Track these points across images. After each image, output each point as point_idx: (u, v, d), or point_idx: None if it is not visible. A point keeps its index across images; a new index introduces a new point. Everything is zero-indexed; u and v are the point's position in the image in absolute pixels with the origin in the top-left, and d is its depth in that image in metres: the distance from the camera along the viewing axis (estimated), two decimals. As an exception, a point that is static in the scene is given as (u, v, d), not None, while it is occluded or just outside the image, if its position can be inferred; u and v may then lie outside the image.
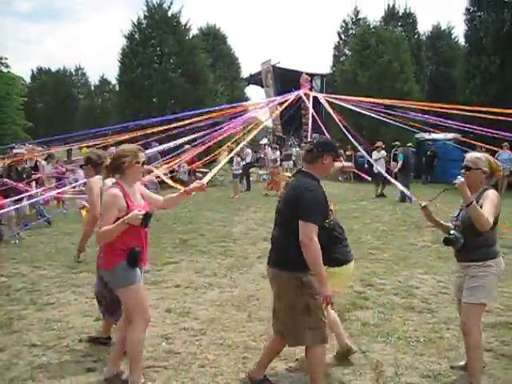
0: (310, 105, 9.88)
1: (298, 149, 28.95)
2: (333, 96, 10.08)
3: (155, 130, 9.50)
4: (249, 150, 22.57)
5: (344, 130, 9.75)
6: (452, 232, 4.46)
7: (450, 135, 21.75)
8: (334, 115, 9.49)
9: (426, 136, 22.23)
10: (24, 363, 4.93)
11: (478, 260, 4.37)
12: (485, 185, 4.45)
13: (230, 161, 18.37)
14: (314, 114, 9.89)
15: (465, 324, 4.40)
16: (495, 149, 11.24)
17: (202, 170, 22.26)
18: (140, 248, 4.31)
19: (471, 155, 4.51)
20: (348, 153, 24.68)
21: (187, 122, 9.06)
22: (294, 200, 4.00)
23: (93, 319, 6.08)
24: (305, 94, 10.23)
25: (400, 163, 17.86)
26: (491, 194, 4.36)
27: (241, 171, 19.66)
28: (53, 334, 5.68)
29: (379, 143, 18.09)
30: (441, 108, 8.66)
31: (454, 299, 4.77)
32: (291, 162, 28.82)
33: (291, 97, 9.95)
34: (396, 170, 17.76)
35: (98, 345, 5.33)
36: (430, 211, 4.79)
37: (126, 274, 4.27)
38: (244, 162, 20.60)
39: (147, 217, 4.14)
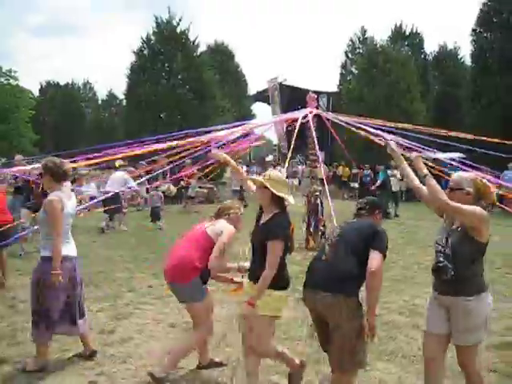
0: (311, 124, 9.98)
1: (303, 166, 28.97)
2: (341, 117, 10.16)
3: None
4: (244, 168, 22.65)
5: (344, 150, 9.82)
6: (441, 260, 3.97)
7: (455, 155, 21.75)
8: (334, 135, 9.56)
9: (432, 155, 22.23)
10: (26, 375, 4.93)
11: (471, 293, 3.91)
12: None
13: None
14: (314, 133, 9.95)
15: (468, 367, 4.05)
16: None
17: (207, 185, 22.38)
18: None
19: (456, 174, 4.22)
20: (354, 171, 24.72)
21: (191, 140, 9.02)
22: (371, 233, 4.16)
23: (96, 332, 6.08)
24: (310, 113, 10.32)
25: (379, 182, 18.19)
26: (475, 208, 3.91)
27: (239, 187, 19.64)
28: (56, 346, 5.66)
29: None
30: (446, 133, 8.74)
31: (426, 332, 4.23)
32: (296, 179, 28.90)
33: (299, 116, 10.04)
34: (374, 187, 18.26)
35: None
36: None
37: (199, 289, 4.69)
38: None
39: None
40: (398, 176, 17.86)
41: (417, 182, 4.25)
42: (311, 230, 11.60)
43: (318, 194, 11.70)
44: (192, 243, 4.85)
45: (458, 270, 3.89)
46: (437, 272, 4.01)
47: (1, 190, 8.83)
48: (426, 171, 4.09)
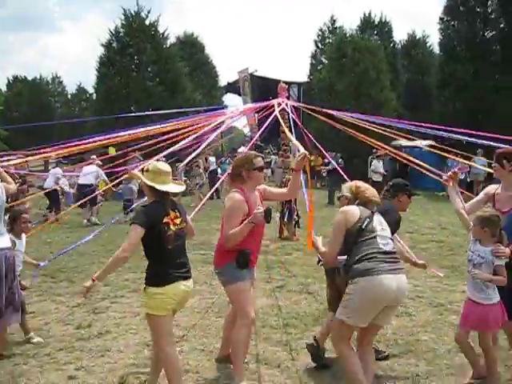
0: (278, 115, 10.05)
1: (275, 156, 29.02)
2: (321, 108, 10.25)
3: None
4: (212, 159, 22.73)
5: (313, 140, 9.93)
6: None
7: (426, 142, 22.02)
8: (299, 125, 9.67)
9: (403, 143, 22.46)
10: (5, 372, 4.94)
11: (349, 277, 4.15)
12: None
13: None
14: (297, 121, 10.02)
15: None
16: (470, 155, 11.41)
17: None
18: (249, 250, 4.52)
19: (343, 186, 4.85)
20: (326, 160, 24.84)
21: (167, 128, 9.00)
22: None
23: (73, 327, 6.08)
24: (278, 104, 10.39)
25: (330, 167, 18.39)
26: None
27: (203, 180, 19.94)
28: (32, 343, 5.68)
29: (382, 151, 17.40)
30: (417, 126, 8.88)
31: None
32: (269, 170, 28.91)
33: (268, 104, 10.10)
34: (324, 170, 19.37)
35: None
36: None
37: (234, 273, 4.50)
38: (208, 171, 20.97)
39: (268, 213, 4.47)
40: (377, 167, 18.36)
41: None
42: (285, 219, 11.69)
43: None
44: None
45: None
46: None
47: None
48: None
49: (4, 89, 55.08)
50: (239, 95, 43.13)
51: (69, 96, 59.48)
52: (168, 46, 27.61)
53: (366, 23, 34.85)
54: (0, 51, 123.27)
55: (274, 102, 10.13)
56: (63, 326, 6.18)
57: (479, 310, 4.41)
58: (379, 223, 4.25)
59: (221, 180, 13.26)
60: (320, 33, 37.95)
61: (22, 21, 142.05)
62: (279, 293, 7.55)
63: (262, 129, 10.12)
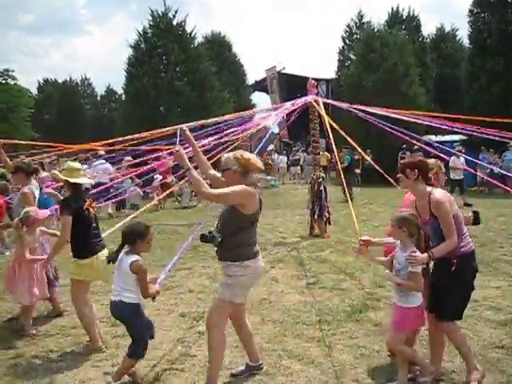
0: (322, 111, 10.06)
1: (304, 154, 28.99)
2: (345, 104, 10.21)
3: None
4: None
5: (347, 136, 9.87)
6: (211, 230, 4.42)
7: (456, 137, 21.76)
8: (328, 121, 9.63)
9: (433, 138, 22.23)
10: (43, 368, 5.06)
11: (235, 260, 4.39)
12: (245, 182, 4.38)
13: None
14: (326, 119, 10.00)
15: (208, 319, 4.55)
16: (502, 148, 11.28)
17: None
18: None
19: (224, 156, 4.62)
20: (356, 157, 24.75)
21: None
22: None
23: (109, 325, 6.16)
24: (315, 101, 10.40)
25: (345, 163, 18.58)
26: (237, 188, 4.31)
27: None
28: (69, 340, 5.78)
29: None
30: (446, 119, 8.81)
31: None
32: (298, 167, 28.90)
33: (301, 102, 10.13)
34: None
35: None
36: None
37: None
38: None
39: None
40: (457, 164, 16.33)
41: (202, 183, 4.30)
42: (316, 216, 11.65)
43: (320, 180, 11.72)
44: None
45: (226, 239, 4.36)
46: (201, 240, 4.37)
47: None
48: (188, 166, 4.34)
49: (35, 92, 55.95)
50: (267, 93, 43.18)
51: (98, 97, 60.14)
52: (195, 45, 27.73)
53: (394, 18, 34.52)
54: (28, 55, 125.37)
55: (309, 98, 10.13)
56: (99, 324, 6.26)
57: (399, 313, 4.48)
58: None
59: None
60: (348, 29, 37.72)
61: (49, 25, 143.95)
62: (311, 289, 7.54)
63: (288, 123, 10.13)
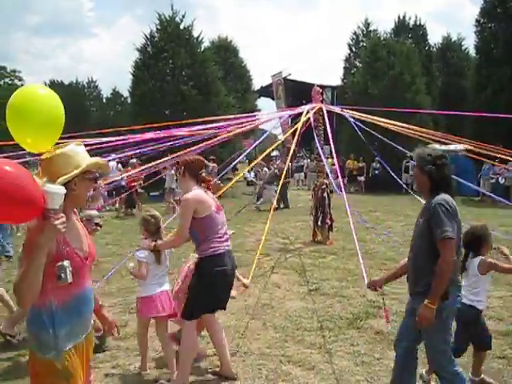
0: (326, 118, 10.09)
1: (308, 160, 28.99)
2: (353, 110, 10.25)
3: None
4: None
5: (368, 143, 9.90)
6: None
7: (461, 146, 21.72)
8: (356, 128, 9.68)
9: (437, 147, 22.18)
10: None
11: None
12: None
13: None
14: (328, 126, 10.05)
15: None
16: (509, 158, 11.27)
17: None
18: None
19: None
20: (360, 164, 24.78)
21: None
22: None
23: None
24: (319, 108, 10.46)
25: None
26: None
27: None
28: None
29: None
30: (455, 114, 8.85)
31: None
32: (302, 173, 28.92)
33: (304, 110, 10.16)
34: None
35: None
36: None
37: None
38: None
39: None
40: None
41: None
42: (318, 223, 11.65)
43: (324, 187, 11.72)
44: None
45: None
46: None
47: None
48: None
49: (41, 93, 55.97)
50: (273, 99, 43.21)
51: (104, 100, 60.30)
52: (202, 50, 27.76)
53: (401, 26, 34.56)
54: (35, 56, 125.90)
55: (316, 106, 10.18)
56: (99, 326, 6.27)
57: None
58: None
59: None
60: (354, 36, 37.73)
61: (56, 26, 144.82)
62: (313, 296, 7.54)
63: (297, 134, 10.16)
